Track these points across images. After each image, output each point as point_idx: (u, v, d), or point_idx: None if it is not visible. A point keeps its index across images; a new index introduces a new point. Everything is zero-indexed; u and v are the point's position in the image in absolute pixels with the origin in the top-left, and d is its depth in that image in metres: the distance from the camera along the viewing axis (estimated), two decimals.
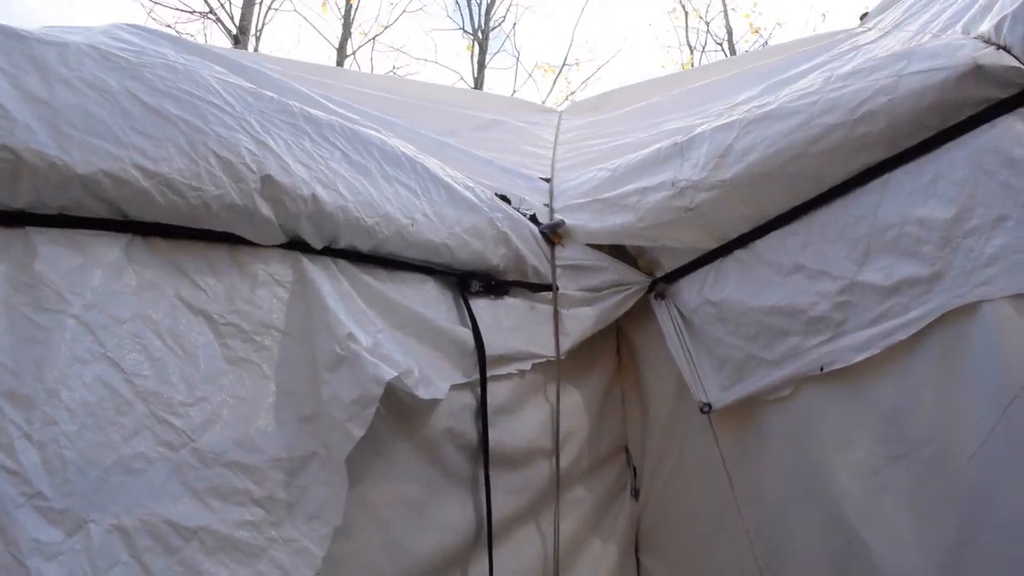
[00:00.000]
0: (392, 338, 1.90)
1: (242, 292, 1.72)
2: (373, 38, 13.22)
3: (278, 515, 1.58)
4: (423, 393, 1.80)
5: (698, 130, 2.26)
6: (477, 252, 2.18)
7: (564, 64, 14.77)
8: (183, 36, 3.00)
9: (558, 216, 2.53)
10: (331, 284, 1.82)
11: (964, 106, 1.72)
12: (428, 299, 2.09)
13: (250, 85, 1.92)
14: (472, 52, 13.60)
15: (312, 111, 1.97)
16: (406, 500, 1.93)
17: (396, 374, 1.68)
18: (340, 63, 12.32)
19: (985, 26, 1.76)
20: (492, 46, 14.12)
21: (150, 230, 1.62)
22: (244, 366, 1.67)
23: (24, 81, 1.45)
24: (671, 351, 2.30)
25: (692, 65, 16.33)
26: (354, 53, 12.58)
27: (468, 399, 2.07)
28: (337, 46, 12.44)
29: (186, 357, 1.58)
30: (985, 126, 1.69)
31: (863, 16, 3.70)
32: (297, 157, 1.80)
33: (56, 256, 1.47)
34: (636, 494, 2.64)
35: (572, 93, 15.47)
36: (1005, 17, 1.67)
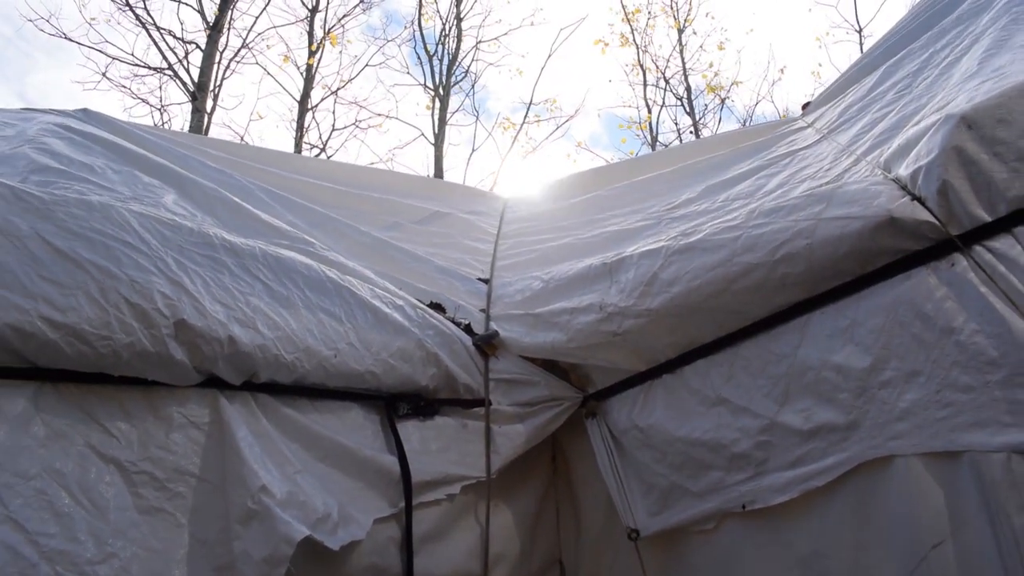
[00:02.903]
0: (313, 475, 1.87)
1: (156, 437, 1.68)
2: (335, 92, 13.27)
3: None
4: (338, 540, 1.77)
5: (627, 252, 2.27)
6: (405, 375, 2.16)
7: (524, 122, 14.83)
8: (125, 122, 2.94)
9: (493, 326, 2.53)
10: (248, 426, 1.79)
11: (880, 255, 1.76)
12: (353, 426, 2.06)
13: (169, 217, 1.90)
14: (433, 109, 13.73)
15: (234, 240, 1.96)
16: None
17: (307, 533, 1.65)
18: (302, 116, 12.35)
19: (904, 170, 1.78)
20: (454, 102, 14.26)
21: (59, 376, 1.58)
22: (157, 516, 1.63)
23: None
24: (601, 472, 2.29)
25: (650, 123, 16.58)
26: (314, 107, 12.62)
27: (393, 531, 2.04)
28: (299, 99, 12.50)
29: (95, 511, 1.53)
30: (900, 276, 1.72)
31: (805, 106, 3.81)
32: (215, 296, 1.78)
33: None
34: None
35: (533, 150, 15.66)
36: (920, 168, 1.69)
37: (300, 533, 1.63)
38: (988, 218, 1.59)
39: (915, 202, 1.69)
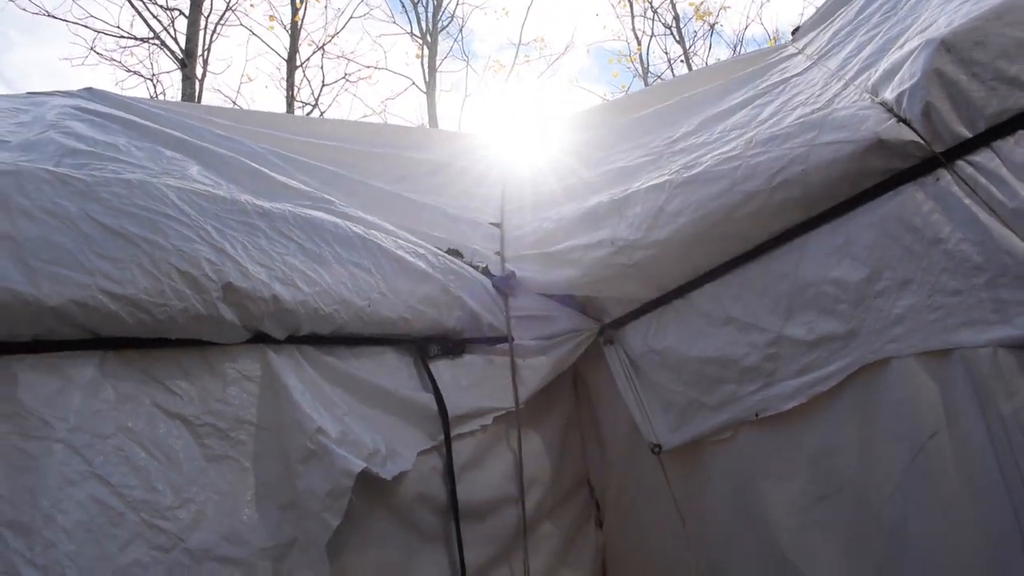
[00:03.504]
0: (359, 416, 2.03)
1: (214, 392, 1.83)
2: (321, 47, 13.19)
3: None
4: (389, 471, 1.93)
5: (633, 188, 2.40)
6: (433, 319, 2.31)
7: (514, 64, 14.83)
8: (132, 97, 3.03)
9: (509, 267, 2.67)
10: (296, 375, 1.94)
11: (870, 175, 1.89)
12: (390, 369, 2.22)
13: (204, 187, 2.02)
14: (422, 56, 13.65)
15: (265, 205, 2.08)
16: (385, 566, 2.07)
17: (363, 466, 1.82)
18: (291, 74, 12.31)
19: (889, 93, 1.90)
20: (442, 49, 14.18)
21: (122, 344, 1.72)
22: (223, 462, 1.79)
23: None
24: (622, 394, 2.46)
25: (640, 55, 16.49)
26: (303, 64, 12.58)
27: (435, 461, 2.21)
28: (287, 58, 12.45)
29: (168, 462, 1.69)
30: (890, 194, 1.86)
31: (795, 31, 3.86)
32: (255, 258, 1.91)
33: (36, 382, 1.56)
34: (600, 524, 2.80)
35: (527, 92, 15.65)
36: (904, 91, 1.81)
37: (357, 466, 1.80)
38: (969, 134, 1.72)
39: (901, 123, 1.81)
